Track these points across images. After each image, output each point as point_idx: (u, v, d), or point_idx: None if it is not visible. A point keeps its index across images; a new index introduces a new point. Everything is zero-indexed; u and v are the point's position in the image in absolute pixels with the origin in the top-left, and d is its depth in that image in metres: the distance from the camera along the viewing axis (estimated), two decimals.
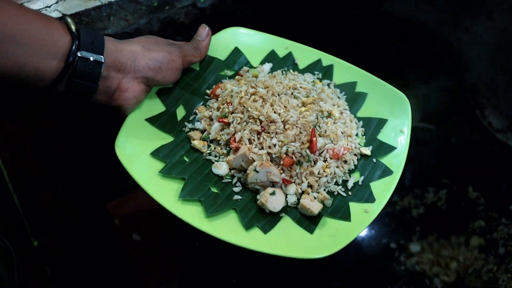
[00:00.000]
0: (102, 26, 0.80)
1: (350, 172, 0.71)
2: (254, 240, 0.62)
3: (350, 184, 0.69)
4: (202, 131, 0.73)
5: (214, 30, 0.79)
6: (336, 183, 0.69)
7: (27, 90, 0.63)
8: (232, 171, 0.69)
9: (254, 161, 0.67)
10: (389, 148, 0.72)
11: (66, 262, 0.96)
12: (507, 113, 1.07)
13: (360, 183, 0.69)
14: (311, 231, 0.64)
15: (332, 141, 0.70)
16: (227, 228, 0.63)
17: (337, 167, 0.69)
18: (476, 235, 1.13)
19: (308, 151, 0.67)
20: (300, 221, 0.65)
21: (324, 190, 0.68)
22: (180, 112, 0.75)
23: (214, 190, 0.67)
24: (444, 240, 1.14)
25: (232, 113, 0.70)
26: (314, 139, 0.67)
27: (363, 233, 1.16)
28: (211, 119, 0.73)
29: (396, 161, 0.71)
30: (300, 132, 0.68)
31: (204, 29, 0.76)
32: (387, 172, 0.70)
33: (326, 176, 0.68)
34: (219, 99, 0.74)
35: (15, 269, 0.69)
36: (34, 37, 0.58)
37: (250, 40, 0.82)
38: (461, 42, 1.05)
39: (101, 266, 1.02)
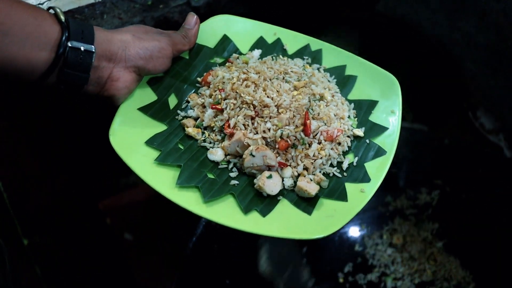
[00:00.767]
0: (95, 24, 0.79)
1: (344, 153, 0.71)
2: (253, 223, 0.63)
3: (345, 165, 0.70)
4: (195, 119, 0.73)
5: None
6: (331, 165, 0.70)
7: (17, 83, 0.62)
8: (228, 157, 0.69)
9: (249, 146, 0.67)
10: (381, 129, 0.73)
11: (57, 261, 0.96)
12: (498, 115, 1.08)
13: (354, 164, 0.70)
14: (309, 212, 0.65)
15: (325, 124, 0.70)
16: (226, 213, 0.63)
17: (332, 149, 0.70)
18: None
19: (302, 134, 0.68)
20: (298, 203, 0.66)
21: (320, 172, 0.69)
22: (172, 101, 0.74)
23: (210, 176, 0.67)
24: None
25: (225, 99, 0.70)
26: (308, 121, 0.68)
27: (355, 233, 1.17)
28: (204, 106, 0.73)
29: (389, 141, 0.72)
30: (294, 116, 0.68)
31: (192, 17, 0.76)
32: (380, 152, 0.71)
33: (321, 158, 0.69)
34: (211, 86, 0.74)
35: (7, 263, 0.68)
36: (24, 28, 0.58)
37: (239, 27, 0.82)
38: (455, 43, 1.06)
39: (92, 266, 1.02)
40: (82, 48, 0.62)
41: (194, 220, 0.94)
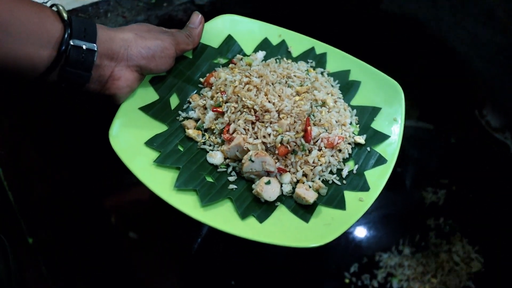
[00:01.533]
0: (99, 22, 0.78)
1: (345, 160, 0.71)
2: (250, 229, 0.63)
3: (344, 173, 0.69)
4: (196, 120, 0.73)
5: None
6: (331, 172, 0.70)
7: (19, 80, 0.62)
8: (227, 160, 0.69)
9: (249, 150, 0.67)
10: (383, 137, 0.73)
11: (62, 259, 0.96)
12: (505, 112, 1.07)
13: (354, 171, 0.70)
14: (306, 220, 0.65)
15: (326, 130, 0.70)
16: (223, 218, 0.63)
17: (332, 156, 0.69)
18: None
19: (303, 140, 0.67)
20: (296, 210, 0.66)
21: (319, 179, 0.68)
22: (174, 101, 0.74)
23: (209, 179, 0.67)
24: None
25: (226, 102, 0.70)
26: (309, 128, 0.67)
27: (361, 233, 1.16)
28: (205, 108, 0.72)
29: (390, 150, 0.71)
30: (295, 121, 0.68)
31: (197, 16, 0.75)
32: (381, 160, 0.70)
33: (321, 165, 0.68)
34: (213, 87, 0.74)
35: (10, 259, 0.69)
36: (26, 25, 0.57)
37: (243, 27, 0.81)
38: (461, 40, 1.05)
39: (97, 264, 1.02)
40: (84, 47, 0.61)
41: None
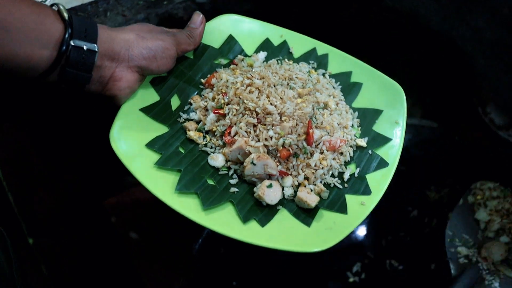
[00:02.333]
0: (98, 21, 0.78)
1: (346, 164, 0.71)
2: (251, 233, 0.62)
3: (346, 176, 0.69)
4: (197, 122, 0.72)
5: None
6: (332, 175, 0.69)
7: (19, 80, 0.61)
8: (229, 163, 0.68)
9: (250, 153, 0.66)
10: (384, 140, 0.72)
11: (62, 260, 0.95)
12: (509, 110, 1.07)
13: (356, 175, 0.69)
14: (308, 224, 0.64)
15: (328, 133, 0.69)
16: (224, 221, 0.63)
17: (334, 159, 0.69)
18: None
19: (304, 143, 0.67)
20: (297, 214, 0.65)
21: (321, 182, 0.68)
22: (175, 102, 0.73)
23: (210, 182, 0.67)
24: None
25: (227, 104, 0.69)
26: (310, 131, 0.67)
27: (363, 232, 1.16)
28: (206, 110, 0.72)
29: (392, 153, 0.71)
30: (297, 124, 0.67)
31: (198, 16, 0.75)
32: (382, 164, 0.70)
33: (322, 168, 0.68)
34: (214, 89, 0.73)
35: (10, 251, 0.68)
36: (26, 25, 0.56)
37: (245, 27, 0.81)
38: (464, 38, 1.04)
39: (98, 265, 1.01)
40: (85, 47, 0.61)
41: None
